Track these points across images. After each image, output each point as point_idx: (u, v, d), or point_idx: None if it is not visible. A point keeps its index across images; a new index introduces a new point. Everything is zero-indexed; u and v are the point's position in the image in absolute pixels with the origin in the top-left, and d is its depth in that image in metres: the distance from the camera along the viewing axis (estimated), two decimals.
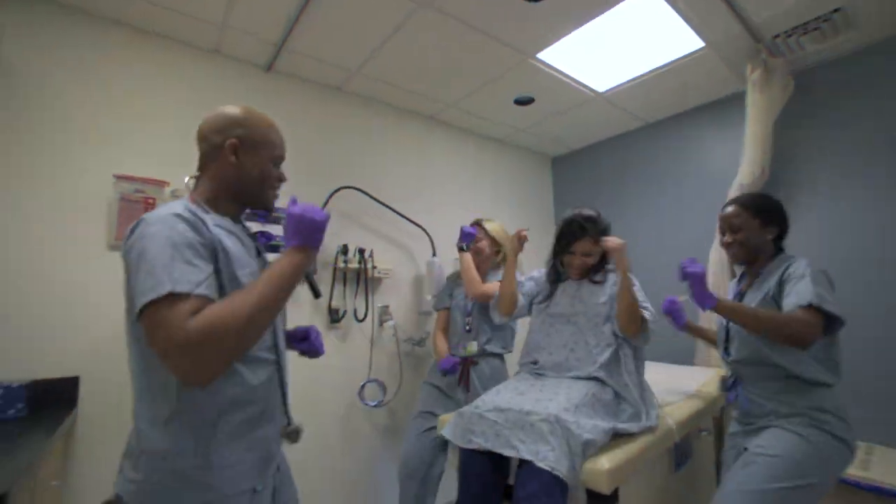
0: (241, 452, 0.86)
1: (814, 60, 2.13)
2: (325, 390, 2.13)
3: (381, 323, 2.32)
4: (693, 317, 1.87)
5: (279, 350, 0.98)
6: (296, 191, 2.13)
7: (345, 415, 2.20)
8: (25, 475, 0.96)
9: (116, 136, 1.76)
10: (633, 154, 2.98)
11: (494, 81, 2.31)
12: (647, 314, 1.47)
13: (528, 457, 1.20)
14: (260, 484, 0.90)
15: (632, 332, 1.46)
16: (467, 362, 1.96)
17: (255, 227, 1.94)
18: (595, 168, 3.22)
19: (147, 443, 0.80)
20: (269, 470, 0.94)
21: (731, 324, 1.39)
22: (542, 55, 2.09)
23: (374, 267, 2.25)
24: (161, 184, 1.77)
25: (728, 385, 1.44)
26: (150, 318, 0.72)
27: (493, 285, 1.90)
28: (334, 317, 2.17)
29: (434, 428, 1.87)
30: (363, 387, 2.20)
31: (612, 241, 1.47)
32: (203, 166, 0.96)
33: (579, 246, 1.55)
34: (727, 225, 1.40)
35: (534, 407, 1.30)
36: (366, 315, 2.26)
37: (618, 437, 1.35)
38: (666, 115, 2.79)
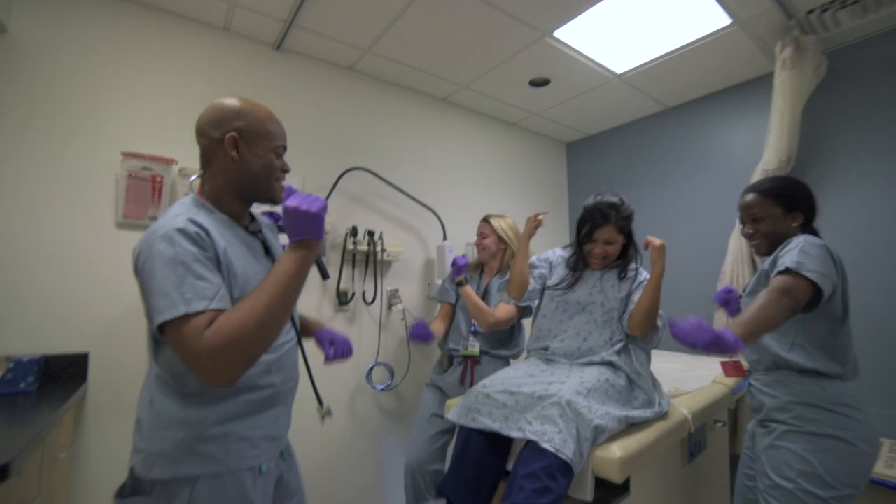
0: (248, 430, 0.87)
1: (850, 38, 2.01)
2: (332, 372, 2.12)
3: (389, 307, 2.30)
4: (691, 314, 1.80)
5: (292, 336, 1.00)
6: (306, 172, 2.12)
7: (352, 397, 2.19)
8: (31, 446, 0.96)
9: (124, 113, 1.74)
10: (651, 140, 2.89)
11: (509, 61, 2.24)
12: (659, 322, 1.42)
13: (532, 437, 1.16)
14: (265, 464, 0.90)
15: (639, 334, 1.42)
16: (470, 361, 1.91)
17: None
18: (611, 154, 3.13)
19: (157, 414, 0.83)
20: (275, 451, 0.94)
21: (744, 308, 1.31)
22: (558, 33, 2.01)
23: (383, 250, 2.22)
24: (169, 162, 1.75)
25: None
26: (171, 335, 0.76)
27: (506, 311, 1.83)
28: (342, 299, 2.15)
29: (440, 433, 1.86)
30: (371, 370, 2.19)
31: (655, 240, 1.39)
32: (205, 163, 0.94)
33: (601, 233, 1.48)
34: (747, 215, 1.30)
35: (545, 390, 1.26)
36: (374, 298, 2.24)
37: (631, 427, 1.30)
38: (686, 100, 2.69)
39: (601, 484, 1.22)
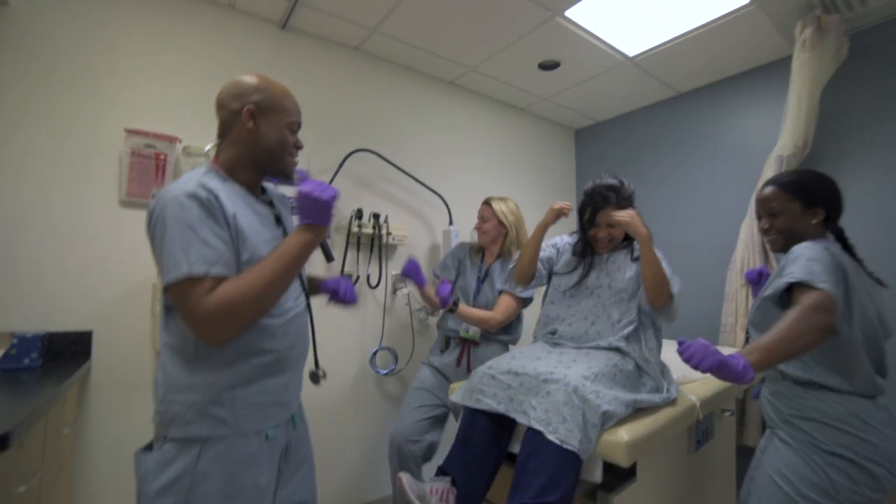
0: (256, 395, 0.91)
1: (875, 18, 1.93)
2: (336, 355, 2.12)
3: (394, 291, 2.28)
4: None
5: (301, 302, 1.03)
6: (310, 153, 2.10)
7: (355, 381, 2.19)
8: (33, 417, 0.96)
9: (128, 90, 1.72)
10: (662, 127, 2.83)
11: (519, 42, 2.19)
12: (674, 287, 1.38)
13: (538, 426, 1.14)
14: (272, 430, 0.93)
15: (660, 304, 1.37)
16: (468, 343, 1.88)
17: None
18: (620, 142, 3.08)
19: (169, 378, 0.88)
20: (284, 416, 0.98)
21: (750, 310, 1.25)
22: (570, 13, 1.96)
23: (388, 233, 2.20)
24: (172, 139, 1.73)
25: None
26: (174, 295, 0.82)
27: (506, 308, 1.81)
28: None
29: (428, 407, 1.82)
30: (374, 354, 2.18)
31: (621, 214, 1.37)
32: (222, 134, 0.98)
33: (603, 216, 1.46)
34: (764, 209, 1.22)
35: (550, 373, 1.24)
36: (379, 282, 2.22)
37: (639, 411, 1.28)
38: (699, 85, 2.62)
39: (608, 469, 1.20)
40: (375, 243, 2.21)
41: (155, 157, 1.70)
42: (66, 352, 1.57)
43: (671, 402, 1.38)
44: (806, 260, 1.02)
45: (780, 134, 2.02)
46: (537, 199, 3.07)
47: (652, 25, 2.07)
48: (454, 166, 2.63)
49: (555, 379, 1.20)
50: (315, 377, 1.16)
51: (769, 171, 2.03)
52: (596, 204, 1.46)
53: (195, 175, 0.90)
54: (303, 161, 2.00)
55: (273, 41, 2.06)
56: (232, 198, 0.91)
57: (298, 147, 1.03)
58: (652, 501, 1.33)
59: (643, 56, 2.31)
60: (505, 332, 1.92)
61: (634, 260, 1.50)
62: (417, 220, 2.45)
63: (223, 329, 0.82)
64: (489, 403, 1.27)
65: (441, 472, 1.25)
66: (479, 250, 2.05)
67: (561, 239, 1.69)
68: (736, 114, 2.48)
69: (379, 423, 2.24)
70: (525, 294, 1.83)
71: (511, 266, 1.63)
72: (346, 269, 2.15)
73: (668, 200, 2.75)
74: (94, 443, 1.59)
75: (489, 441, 1.26)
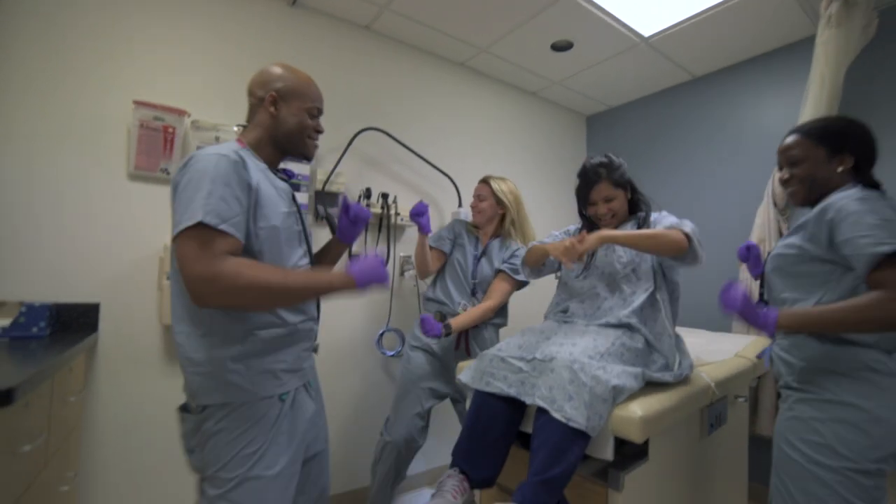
0: (270, 363, 0.96)
1: None
2: (342, 336, 2.10)
3: (402, 272, 2.26)
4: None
5: None
6: None
7: (361, 362, 2.17)
8: (38, 377, 0.95)
9: (137, 62, 1.70)
10: (677, 112, 2.77)
11: (532, 21, 2.14)
12: (687, 228, 1.34)
13: (543, 405, 1.12)
14: (285, 394, 0.99)
15: (679, 253, 1.32)
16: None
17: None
18: (633, 128, 3.02)
19: (186, 352, 0.93)
20: (298, 381, 1.03)
21: (765, 267, 1.18)
22: None
23: (397, 213, 2.17)
24: (181, 113, 1.71)
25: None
26: (182, 244, 0.84)
27: (500, 294, 1.78)
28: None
29: (427, 406, 1.78)
30: (381, 335, 2.16)
31: (588, 243, 1.28)
32: (250, 118, 1.07)
33: (597, 192, 1.46)
34: (784, 158, 1.14)
35: (556, 352, 1.21)
36: (386, 262, 2.20)
37: (650, 387, 1.25)
38: (716, 68, 2.56)
39: (619, 449, 1.17)
40: (384, 224, 2.19)
41: (163, 130, 1.69)
42: (74, 323, 1.57)
43: (683, 381, 1.34)
44: (882, 220, 0.90)
45: (800, 115, 1.95)
46: (546, 186, 3.03)
47: (669, 3, 2.01)
48: (463, 150, 2.60)
49: (560, 357, 1.18)
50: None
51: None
52: (589, 181, 1.47)
53: (226, 145, 0.96)
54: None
55: (282, 18, 2.04)
56: (255, 170, 0.97)
57: (318, 131, 1.10)
58: (663, 482, 1.30)
59: (659, 36, 2.25)
60: (499, 316, 1.88)
61: (641, 229, 1.47)
62: (426, 201, 2.41)
63: (215, 295, 0.84)
64: (500, 386, 1.24)
65: (452, 461, 1.23)
66: (474, 227, 1.98)
67: (571, 227, 1.67)
68: (753, 98, 2.42)
69: (384, 403, 2.21)
70: (522, 277, 1.78)
71: (521, 260, 1.64)
72: (354, 248, 2.13)
73: (683, 187, 2.69)
74: (100, 413, 1.59)
75: (500, 425, 1.24)
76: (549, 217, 2.92)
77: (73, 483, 1.43)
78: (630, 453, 1.24)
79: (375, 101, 2.27)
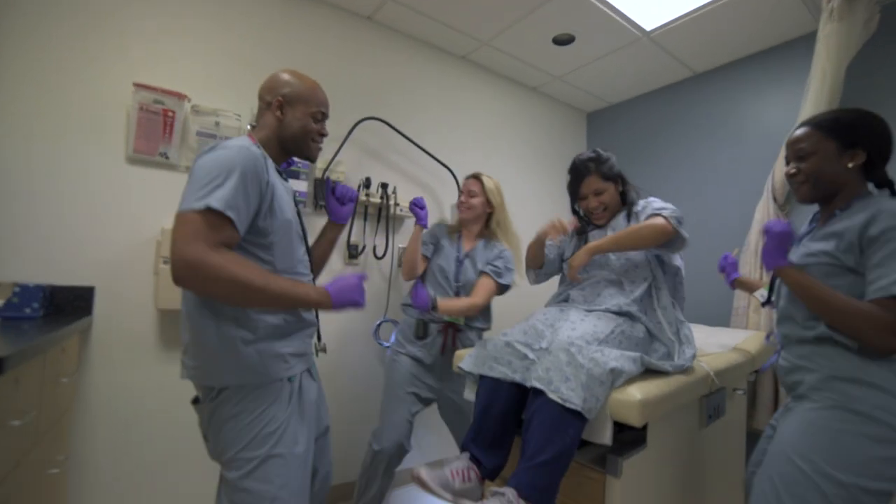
0: (279, 347, 1.00)
1: None
2: (339, 326, 2.09)
3: (400, 263, 2.25)
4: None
5: (308, 275, 1.14)
6: None
7: (359, 352, 2.16)
8: (30, 352, 0.94)
9: (138, 47, 1.69)
10: (677, 109, 2.77)
11: (534, 13, 2.14)
12: (667, 213, 1.34)
13: (538, 385, 1.11)
14: (294, 377, 1.04)
15: (666, 239, 1.32)
16: (452, 329, 1.75)
17: None
18: (633, 125, 3.02)
19: (199, 336, 0.95)
20: (304, 365, 1.08)
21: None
22: None
23: (396, 204, 2.16)
24: (181, 97, 1.71)
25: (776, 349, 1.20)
26: (182, 220, 0.86)
27: (485, 291, 1.72)
28: (352, 252, 2.11)
29: (414, 413, 1.74)
30: (378, 326, 2.15)
31: (576, 261, 1.34)
32: (258, 119, 1.12)
33: (587, 186, 1.48)
34: (792, 151, 1.08)
35: (555, 334, 1.20)
36: (385, 253, 2.19)
37: (650, 373, 1.24)
38: (718, 64, 2.56)
39: (617, 437, 1.16)
40: (383, 214, 2.18)
41: (163, 114, 1.67)
42: (69, 306, 1.55)
43: (683, 371, 1.33)
44: None
45: (801, 110, 1.96)
46: (546, 181, 3.03)
47: None
48: (464, 143, 2.59)
49: (558, 339, 1.18)
50: (315, 350, 1.21)
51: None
52: (579, 175, 1.49)
53: (243, 139, 1.00)
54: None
55: (285, 7, 2.04)
56: (272, 168, 1.03)
57: (322, 134, 1.14)
58: (662, 470, 1.29)
59: (660, 31, 2.25)
60: (482, 319, 1.82)
61: (630, 221, 1.47)
62: (425, 193, 2.41)
63: (195, 281, 0.85)
64: (503, 371, 1.22)
65: (463, 449, 1.22)
66: (455, 230, 1.90)
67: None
68: (754, 95, 2.42)
69: (379, 395, 2.20)
70: (505, 281, 1.76)
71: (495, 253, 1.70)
72: (353, 238, 2.12)
73: (683, 184, 2.69)
74: (93, 397, 1.57)
75: (510, 413, 1.21)
76: (548, 213, 2.89)
77: (64, 466, 1.41)
78: (628, 440, 1.23)
79: (377, 92, 2.27)
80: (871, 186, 1.06)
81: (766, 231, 1.05)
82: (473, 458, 1.17)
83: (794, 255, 1.08)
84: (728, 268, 1.53)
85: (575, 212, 1.61)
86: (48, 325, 1.30)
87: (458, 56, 2.60)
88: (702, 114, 2.64)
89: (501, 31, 2.31)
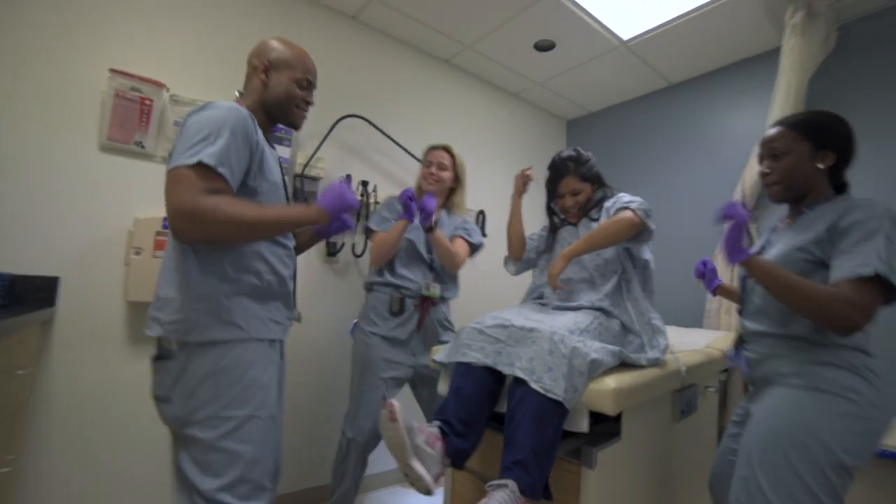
0: (259, 311, 1.01)
1: (861, 10, 1.99)
2: (317, 324, 2.06)
3: None
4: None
5: (292, 243, 1.14)
6: None
7: (335, 351, 2.12)
8: None
9: (115, 31, 1.66)
10: (653, 119, 2.86)
11: (516, 18, 2.20)
12: (634, 205, 1.38)
13: (521, 375, 1.11)
14: (274, 341, 1.05)
15: (636, 231, 1.36)
16: (428, 303, 1.72)
17: None
18: (612, 133, 3.10)
19: (184, 290, 0.94)
20: (280, 334, 1.08)
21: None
22: None
23: (376, 202, 2.16)
24: (160, 85, 1.68)
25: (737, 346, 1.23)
26: (174, 175, 0.86)
27: (464, 250, 1.76)
28: (331, 250, 2.09)
29: (391, 397, 1.69)
30: (356, 325, 2.11)
31: (555, 269, 1.36)
32: (246, 85, 1.12)
33: (564, 185, 1.52)
34: (766, 150, 1.10)
35: (538, 325, 1.21)
36: (364, 251, 2.17)
37: (624, 366, 1.26)
38: (690, 76, 2.67)
39: (592, 430, 1.16)
40: (362, 212, 2.17)
41: (140, 102, 1.64)
42: (30, 297, 1.48)
43: (656, 364, 1.35)
44: (884, 243, 0.89)
45: (768, 120, 2.05)
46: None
47: (646, 7, 2.09)
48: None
49: (540, 329, 1.18)
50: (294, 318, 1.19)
51: (756, 159, 2.05)
52: (559, 173, 1.53)
53: (229, 103, 0.99)
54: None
55: (270, 3, 2.03)
56: (258, 130, 1.02)
57: (308, 101, 1.14)
58: (636, 463, 1.30)
59: (636, 41, 2.34)
60: (454, 288, 1.82)
61: (592, 220, 1.52)
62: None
63: (197, 229, 0.86)
64: (475, 356, 1.22)
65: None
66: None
67: (544, 229, 1.73)
68: (725, 106, 2.52)
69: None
70: (476, 240, 1.82)
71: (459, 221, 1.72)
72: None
73: (658, 190, 2.76)
74: (53, 392, 1.50)
75: (481, 397, 1.19)
76: (527, 218, 2.92)
77: (15, 466, 1.34)
78: (603, 432, 1.24)
79: (359, 91, 2.27)
80: None
81: (731, 216, 1.02)
82: (441, 431, 1.12)
83: (768, 255, 1.10)
84: (708, 274, 1.48)
85: (550, 209, 1.64)
86: (5, 315, 1.24)
87: (441, 59, 2.63)
88: (676, 123, 2.74)
89: (484, 35, 2.36)
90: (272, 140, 1.15)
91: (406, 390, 1.83)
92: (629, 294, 1.40)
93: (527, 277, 1.92)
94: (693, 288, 2.41)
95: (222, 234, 0.89)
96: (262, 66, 1.07)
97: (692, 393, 1.59)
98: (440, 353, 1.37)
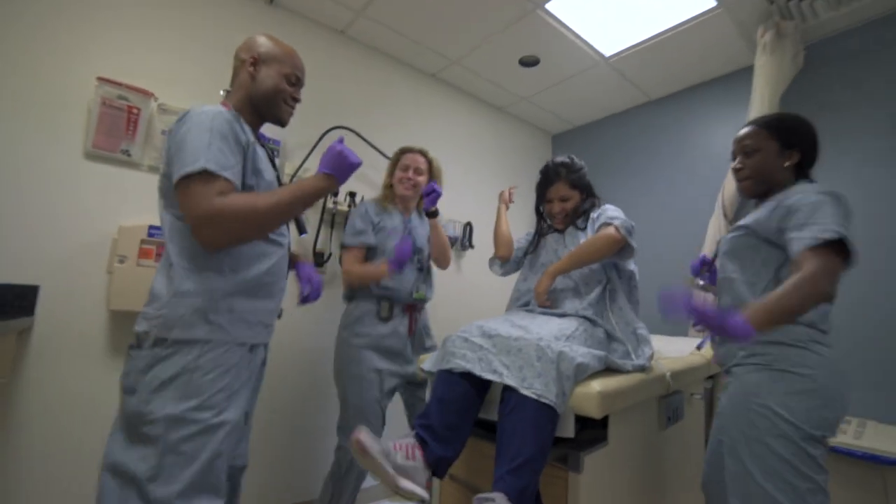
0: (248, 313, 1.00)
1: (827, 30, 2.10)
2: (303, 333, 2.04)
3: None
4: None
5: (287, 240, 1.14)
6: (289, 128, 2.07)
7: (320, 359, 2.10)
8: None
9: (102, 39, 1.67)
10: (635, 133, 2.95)
11: (501, 34, 2.26)
12: (617, 222, 1.41)
13: (512, 383, 1.10)
14: (254, 347, 1.04)
15: (618, 247, 1.39)
16: (417, 307, 1.71)
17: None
18: (595, 147, 3.18)
19: (175, 284, 0.93)
20: (266, 337, 1.08)
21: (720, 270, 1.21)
22: (550, 6, 2.05)
23: None
24: (147, 94, 1.68)
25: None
26: (185, 189, 0.89)
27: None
28: (319, 260, 2.08)
29: (382, 414, 1.64)
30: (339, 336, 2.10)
31: (541, 285, 1.43)
32: (233, 80, 1.12)
33: (554, 190, 1.55)
34: (739, 147, 1.18)
35: (523, 333, 1.22)
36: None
37: (610, 371, 1.27)
38: (669, 92, 2.76)
39: (579, 434, 1.17)
40: None
41: (127, 110, 1.64)
42: (8, 306, 1.45)
43: (642, 370, 1.37)
44: (832, 209, 0.95)
45: None
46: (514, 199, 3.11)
47: (626, 25, 2.18)
48: None
49: (526, 337, 1.18)
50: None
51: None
52: (549, 178, 1.56)
53: (217, 106, 1.00)
54: (280, 136, 1.98)
55: (259, 16, 2.07)
56: (248, 129, 1.03)
57: (295, 98, 1.13)
58: (622, 468, 1.31)
59: (617, 57, 2.42)
60: (432, 286, 1.81)
61: (578, 229, 1.55)
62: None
63: (222, 231, 0.89)
64: (458, 363, 1.21)
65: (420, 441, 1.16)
66: (388, 204, 1.79)
67: (529, 234, 1.77)
68: (703, 120, 2.61)
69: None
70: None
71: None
72: (319, 246, 2.10)
73: (640, 202, 2.83)
74: (29, 402, 1.46)
75: (464, 403, 1.18)
76: (513, 230, 2.98)
77: None
78: (589, 438, 1.24)
79: (347, 105, 2.30)
80: None
81: (681, 310, 0.93)
82: (419, 439, 1.10)
83: (723, 241, 1.20)
84: (710, 272, 1.42)
85: (538, 212, 1.66)
86: None
87: (428, 73, 2.69)
88: (657, 136, 2.82)
89: (470, 50, 2.42)
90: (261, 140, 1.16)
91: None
92: (613, 304, 1.42)
93: (512, 283, 1.92)
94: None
95: (245, 229, 0.93)
96: (250, 60, 1.07)
97: (678, 400, 1.60)
98: (427, 362, 1.37)
